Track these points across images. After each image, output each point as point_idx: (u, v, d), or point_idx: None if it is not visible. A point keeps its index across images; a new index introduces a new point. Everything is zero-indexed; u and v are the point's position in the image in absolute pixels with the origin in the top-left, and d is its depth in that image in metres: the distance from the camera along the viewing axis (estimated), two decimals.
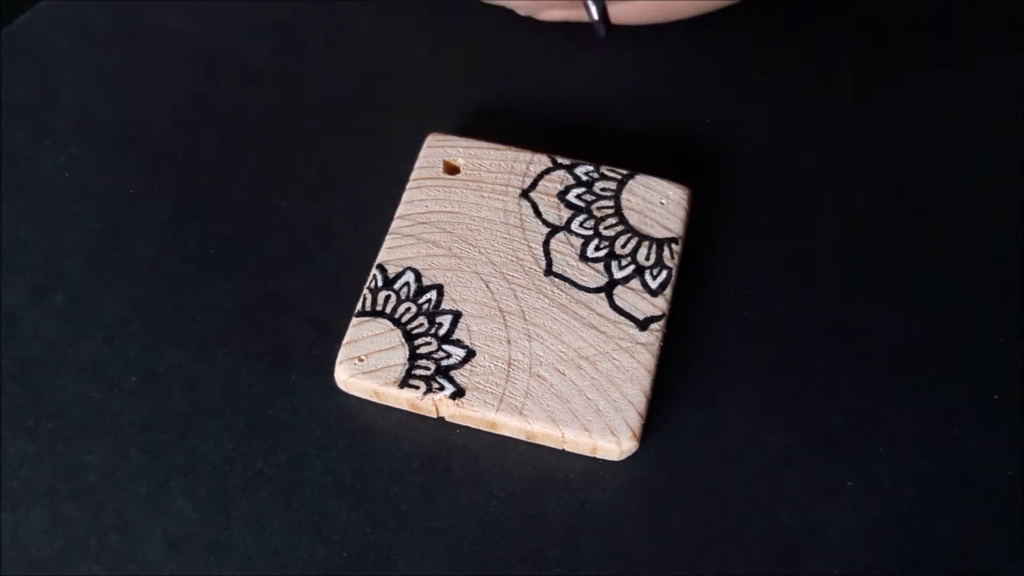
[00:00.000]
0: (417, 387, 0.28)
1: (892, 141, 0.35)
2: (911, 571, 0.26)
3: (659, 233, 0.31)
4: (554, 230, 0.31)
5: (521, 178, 0.32)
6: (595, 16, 0.26)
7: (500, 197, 0.32)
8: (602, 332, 0.29)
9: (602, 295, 0.30)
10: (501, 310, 0.29)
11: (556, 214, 0.31)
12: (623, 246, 0.31)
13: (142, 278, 0.32)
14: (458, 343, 0.29)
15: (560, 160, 0.32)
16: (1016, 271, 0.31)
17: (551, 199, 0.31)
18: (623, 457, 0.28)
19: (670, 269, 0.30)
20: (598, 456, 0.28)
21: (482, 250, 0.30)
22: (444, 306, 0.29)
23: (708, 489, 0.28)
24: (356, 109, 0.36)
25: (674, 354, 0.30)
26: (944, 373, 0.30)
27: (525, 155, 0.32)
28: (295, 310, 0.31)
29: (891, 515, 0.27)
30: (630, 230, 0.31)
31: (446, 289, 0.30)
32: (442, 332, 0.29)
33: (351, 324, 0.29)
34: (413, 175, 0.32)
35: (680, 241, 0.31)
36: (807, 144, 0.35)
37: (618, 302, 0.29)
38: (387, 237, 0.31)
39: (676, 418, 0.29)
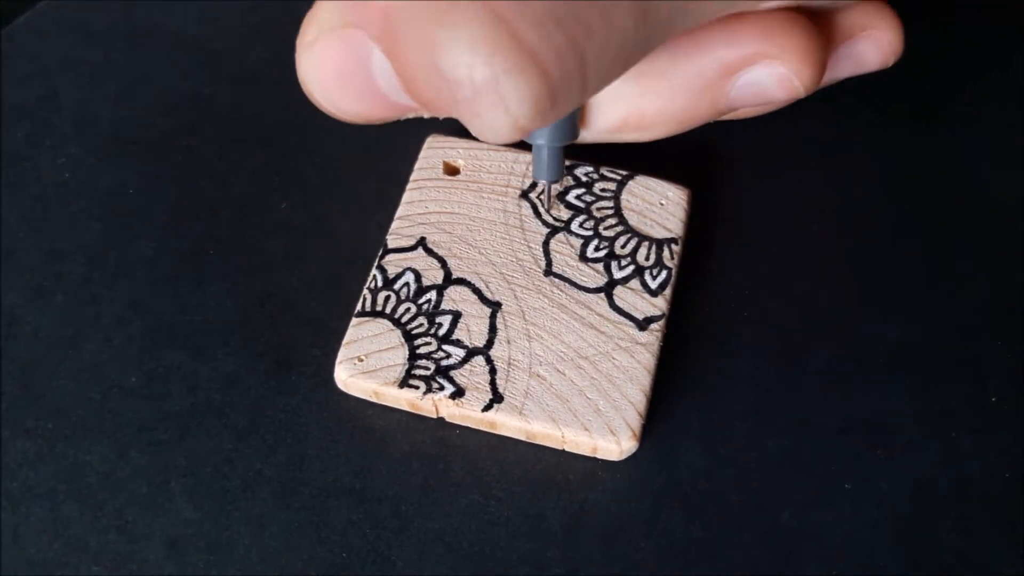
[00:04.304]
0: (417, 387, 0.28)
1: (892, 141, 0.35)
2: (909, 573, 0.26)
3: (659, 233, 0.31)
4: (554, 230, 0.31)
5: (521, 179, 0.32)
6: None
7: (500, 198, 0.32)
8: (602, 332, 0.29)
9: (602, 295, 0.30)
10: (501, 310, 0.29)
11: (556, 214, 0.31)
12: (623, 246, 0.31)
13: (142, 278, 0.32)
14: (458, 343, 0.29)
15: None
16: (1016, 271, 0.31)
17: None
18: (623, 457, 0.28)
19: (670, 269, 0.30)
20: (598, 456, 0.28)
21: (482, 250, 0.30)
22: (444, 306, 0.29)
23: (707, 490, 0.28)
24: None
25: (674, 354, 0.30)
26: (943, 374, 0.30)
27: (525, 156, 0.32)
28: (295, 310, 0.31)
29: (889, 517, 0.27)
30: (630, 230, 0.31)
31: (446, 290, 0.30)
32: (442, 332, 0.29)
33: (351, 324, 0.29)
34: (413, 176, 0.32)
35: (680, 241, 0.31)
36: (807, 144, 0.35)
37: (618, 302, 0.29)
38: (387, 238, 0.31)
39: (676, 418, 0.29)
